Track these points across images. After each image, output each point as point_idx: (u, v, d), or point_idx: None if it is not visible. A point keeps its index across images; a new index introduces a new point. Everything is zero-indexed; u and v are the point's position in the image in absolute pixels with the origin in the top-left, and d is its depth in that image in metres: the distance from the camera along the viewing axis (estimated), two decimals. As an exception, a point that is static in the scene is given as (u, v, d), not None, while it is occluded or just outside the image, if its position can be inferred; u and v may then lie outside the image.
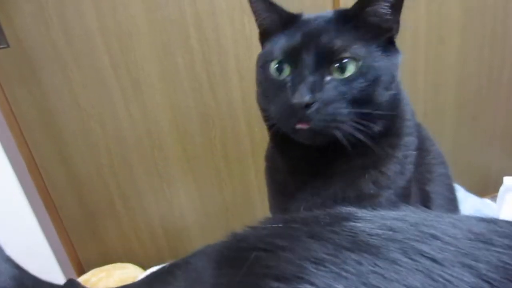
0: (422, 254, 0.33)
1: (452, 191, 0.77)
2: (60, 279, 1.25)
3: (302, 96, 0.51)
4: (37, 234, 1.24)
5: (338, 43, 0.53)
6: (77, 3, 1.08)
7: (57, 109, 1.19)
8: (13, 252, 1.30)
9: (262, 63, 0.60)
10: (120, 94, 1.21)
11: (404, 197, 0.62)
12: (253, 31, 1.21)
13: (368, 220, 0.38)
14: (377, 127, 0.56)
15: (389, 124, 0.58)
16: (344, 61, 0.53)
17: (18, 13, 1.07)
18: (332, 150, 0.57)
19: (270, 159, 0.72)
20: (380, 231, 0.36)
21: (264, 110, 0.61)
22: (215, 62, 1.22)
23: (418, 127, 0.74)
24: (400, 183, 0.62)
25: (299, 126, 0.53)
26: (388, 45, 0.57)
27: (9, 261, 0.69)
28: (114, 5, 1.11)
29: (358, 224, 0.38)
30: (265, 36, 0.64)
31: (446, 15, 1.33)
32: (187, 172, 1.34)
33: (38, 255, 1.26)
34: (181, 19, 1.15)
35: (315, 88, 0.52)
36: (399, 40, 0.58)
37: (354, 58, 0.53)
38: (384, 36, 0.56)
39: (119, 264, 1.33)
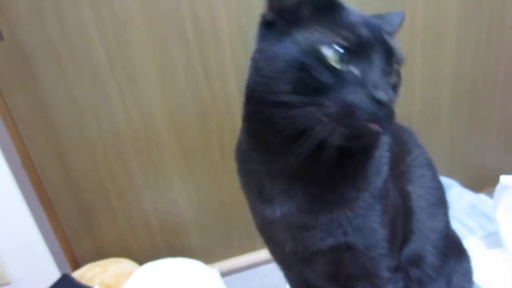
0: None
1: (435, 195, 0.75)
2: (56, 274, 1.25)
3: (387, 93, 0.47)
4: (32, 230, 1.23)
5: (399, 47, 0.52)
6: (72, -6, 1.07)
7: (52, 103, 1.17)
8: (8, 248, 1.30)
9: (310, 47, 0.49)
10: (115, 88, 1.19)
11: (380, 198, 0.61)
12: (249, 24, 1.20)
13: None
14: None
15: None
16: (400, 67, 0.53)
17: (11, 4, 1.05)
18: (317, 150, 0.54)
19: (243, 159, 0.68)
20: None
21: (280, 93, 0.50)
22: (212, 56, 1.21)
23: (397, 128, 0.74)
24: (377, 184, 0.61)
25: (372, 126, 0.47)
26: None
27: None
28: (109, -4, 1.09)
29: None
30: (285, 20, 0.53)
31: (443, 9, 1.33)
32: (183, 167, 1.34)
33: (33, 251, 1.26)
34: (177, 10, 1.14)
35: (387, 89, 0.48)
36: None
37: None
38: None
39: (114, 259, 1.32)
